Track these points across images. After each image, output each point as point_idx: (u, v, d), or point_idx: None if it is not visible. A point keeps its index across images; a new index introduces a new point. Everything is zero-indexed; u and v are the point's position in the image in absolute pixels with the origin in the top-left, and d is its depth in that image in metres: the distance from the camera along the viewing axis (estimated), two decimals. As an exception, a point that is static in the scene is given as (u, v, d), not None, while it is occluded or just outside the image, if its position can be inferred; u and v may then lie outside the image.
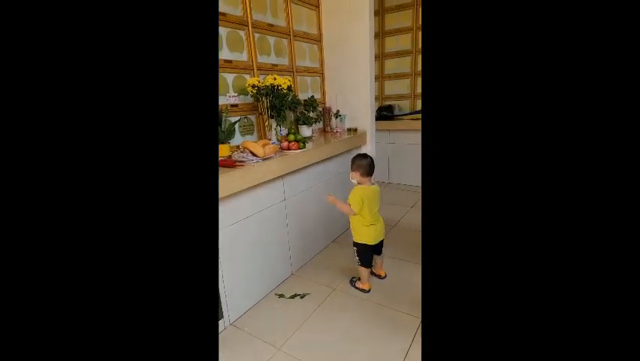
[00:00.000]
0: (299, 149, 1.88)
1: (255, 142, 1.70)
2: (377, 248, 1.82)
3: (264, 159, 1.66)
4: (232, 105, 1.93)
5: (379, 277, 1.94)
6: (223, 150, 1.73)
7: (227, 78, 1.90)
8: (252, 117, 2.10)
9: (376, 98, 3.86)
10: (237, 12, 1.92)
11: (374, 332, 1.51)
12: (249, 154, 1.65)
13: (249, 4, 1.98)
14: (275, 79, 1.92)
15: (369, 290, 1.82)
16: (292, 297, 1.79)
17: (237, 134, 2.00)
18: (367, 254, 1.78)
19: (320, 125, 2.72)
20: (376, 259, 1.89)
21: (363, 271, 1.81)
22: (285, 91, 1.95)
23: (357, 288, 1.86)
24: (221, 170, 1.47)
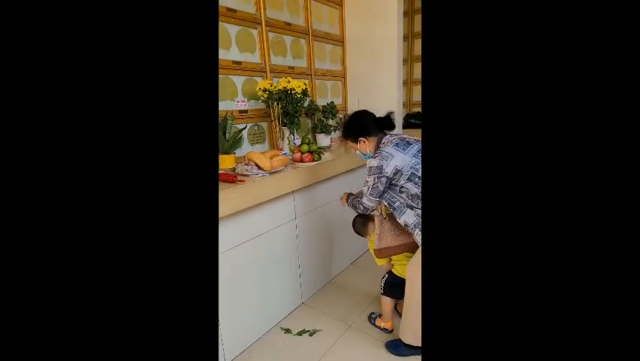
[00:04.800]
0: (313, 161, 1.65)
1: (262, 153, 1.49)
2: None
3: (271, 173, 1.44)
4: (241, 111, 1.74)
5: None
6: (227, 162, 1.54)
7: (235, 81, 1.71)
8: (264, 125, 1.90)
9: (404, 105, 3.56)
10: (249, 8, 1.74)
11: (396, 389, 1.23)
12: (254, 167, 1.44)
13: (263, 1, 1.80)
14: (289, 82, 1.71)
15: (391, 330, 1.53)
16: (300, 333, 1.54)
17: (247, 143, 1.80)
18: (395, 281, 1.46)
19: (340, 133, 2.48)
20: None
21: (387, 304, 1.51)
22: (299, 96, 1.73)
23: (376, 326, 1.57)
24: (219, 185, 1.27)
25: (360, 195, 1.37)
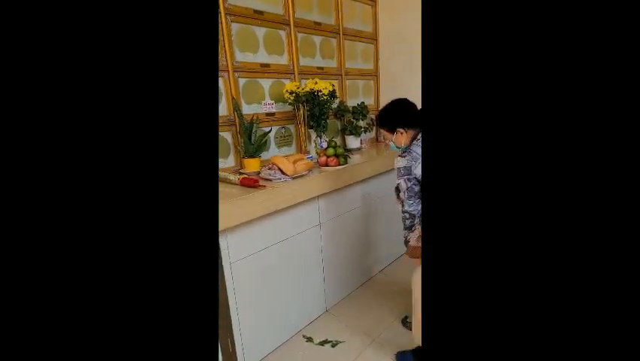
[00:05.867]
0: (339, 165, 1.59)
1: (286, 157, 1.46)
2: None
3: (294, 178, 1.41)
4: (268, 114, 1.73)
5: None
6: (252, 165, 1.54)
7: (263, 84, 1.71)
8: (292, 127, 1.88)
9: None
10: (278, 10, 1.72)
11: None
12: (278, 171, 1.41)
13: (292, 1, 1.77)
14: (316, 83, 1.67)
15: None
16: (321, 343, 1.50)
17: (274, 146, 1.79)
18: None
19: (373, 134, 2.39)
20: None
21: None
22: (325, 97, 1.68)
23: (411, 330, 1.48)
24: (240, 190, 1.26)
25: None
